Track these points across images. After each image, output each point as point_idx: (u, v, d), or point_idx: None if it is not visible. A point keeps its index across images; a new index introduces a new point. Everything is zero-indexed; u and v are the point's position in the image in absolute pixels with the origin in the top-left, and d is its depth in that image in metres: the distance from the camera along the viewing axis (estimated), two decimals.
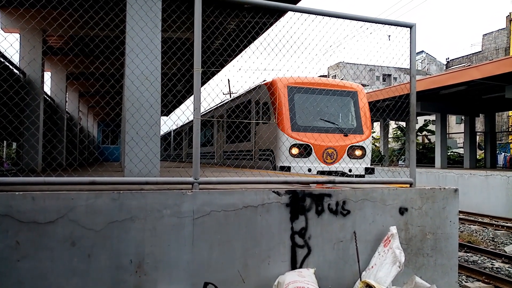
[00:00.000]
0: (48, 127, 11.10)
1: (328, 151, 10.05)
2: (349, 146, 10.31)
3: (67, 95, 14.20)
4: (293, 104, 10.08)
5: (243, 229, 3.86)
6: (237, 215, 3.84)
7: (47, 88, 12.99)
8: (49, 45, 11.16)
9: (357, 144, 10.46)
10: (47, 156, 10.05)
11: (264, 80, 10.96)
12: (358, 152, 10.46)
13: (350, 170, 10.21)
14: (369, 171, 10.52)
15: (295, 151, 9.75)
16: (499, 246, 9.63)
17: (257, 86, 11.38)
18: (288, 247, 4.02)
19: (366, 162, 10.59)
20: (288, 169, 9.52)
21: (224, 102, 15.73)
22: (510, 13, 30.29)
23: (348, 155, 10.30)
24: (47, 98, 12.20)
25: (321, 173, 9.86)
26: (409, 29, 4.85)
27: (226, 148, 14.34)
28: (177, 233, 3.65)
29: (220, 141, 15.38)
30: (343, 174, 10.10)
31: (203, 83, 15.42)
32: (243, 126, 12.38)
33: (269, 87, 10.46)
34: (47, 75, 12.98)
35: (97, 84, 14.45)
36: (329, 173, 9.92)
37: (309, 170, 9.63)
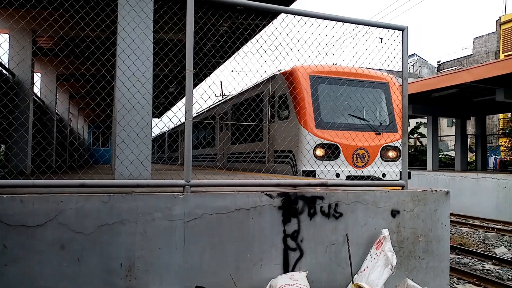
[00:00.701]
0: (37, 129, 10.96)
1: (359, 152, 8.76)
2: (382, 146, 9.03)
3: (57, 97, 14.06)
4: (317, 97, 8.75)
5: (235, 232, 3.83)
6: (229, 218, 3.81)
7: (36, 89, 12.87)
8: (39, 45, 11.05)
9: (391, 144, 9.17)
10: (36, 158, 9.92)
11: (280, 70, 9.52)
12: (392, 154, 9.20)
13: (383, 175, 8.93)
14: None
15: (320, 152, 8.51)
16: (489, 248, 9.71)
17: (271, 76, 10.02)
18: (281, 250, 4.00)
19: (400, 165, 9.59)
20: (312, 174, 8.29)
21: (228, 98, 14.21)
22: (500, 17, 30.68)
23: (381, 157, 9.03)
24: (37, 99, 12.06)
25: (351, 178, 8.59)
26: (401, 32, 4.87)
27: (231, 149, 13.08)
28: (169, 237, 3.61)
29: (223, 142, 14.02)
30: (374, 179, 8.71)
31: (195, 85, 15.36)
32: (251, 123, 10.88)
33: (288, 77, 9.02)
34: (37, 76, 12.85)
35: (87, 86, 14.33)
36: (360, 178, 8.46)
37: (337, 175, 8.38)
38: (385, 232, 4.21)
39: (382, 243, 4.14)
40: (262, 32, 10.42)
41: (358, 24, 4.76)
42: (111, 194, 3.48)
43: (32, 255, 3.26)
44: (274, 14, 9.12)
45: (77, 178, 3.86)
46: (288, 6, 8.96)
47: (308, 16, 4.43)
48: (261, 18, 9.44)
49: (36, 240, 3.27)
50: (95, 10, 7.13)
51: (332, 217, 4.20)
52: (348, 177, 8.57)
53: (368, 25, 4.93)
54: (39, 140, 9.22)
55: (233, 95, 13.29)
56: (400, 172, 4.99)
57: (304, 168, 8.38)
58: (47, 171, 4.06)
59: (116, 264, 3.46)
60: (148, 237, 3.55)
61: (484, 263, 8.25)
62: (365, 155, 8.87)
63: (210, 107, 16.42)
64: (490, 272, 7.58)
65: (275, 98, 9.94)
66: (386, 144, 9.12)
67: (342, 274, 4.20)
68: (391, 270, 3.96)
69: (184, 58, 3.95)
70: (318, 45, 4.68)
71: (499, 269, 7.74)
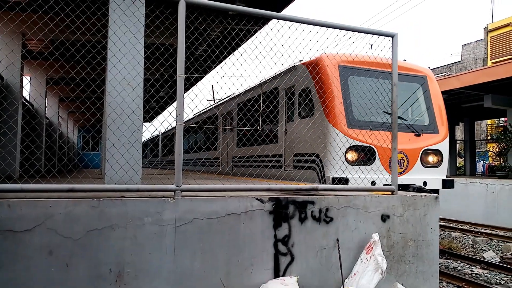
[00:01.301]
0: (26, 133, 10.84)
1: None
2: (423, 149, 7.85)
3: (46, 100, 13.93)
4: (348, 91, 7.53)
5: (226, 237, 3.82)
6: (220, 223, 3.80)
7: (26, 93, 12.73)
8: (28, 49, 10.95)
9: (432, 147, 7.95)
10: (24, 162, 9.80)
11: (300, 60, 8.43)
12: (433, 158, 7.96)
13: (424, 183, 7.71)
14: (447, 184, 7.99)
15: (352, 156, 7.31)
16: (478, 253, 9.80)
17: (290, 68, 8.79)
18: (271, 255, 3.99)
19: (443, 172, 8.05)
20: (344, 181, 6.95)
21: (233, 96, 12.75)
22: (487, 25, 31.19)
23: (421, 162, 7.82)
24: (26, 103, 11.94)
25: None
26: (391, 38, 4.93)
27: (237, 153, 11.70)
28: (159, 242, 3.59)
29: (226, 144, 12.74)
30: (419, 189, 7.41)
31: (186, 89, 15.34)
32: (265, 124, 9.70)
33: (313, 67, 7.77)
34: (26, 80, 12.72)
35: (77, 89, 14.23)
36: (402, 187, 7.20)
37: (373, 183, 7.16)
38: (376, 236, 4.23)
39: (372, 248, 4.16)
40: (253, 37, 10.45)
41: (349, 30, 4.81)
42: (101, 199, 3.45)
43: (19, 261, 3.21)
44: (265, 20, 9.17)
45: (66, 182, 3.82)
46: (279, 12, 9.02)
47: (299, 22, 4.46)
48: (252, 24, 9.47)
49: (24, 245, 3.22)
50: (86, 14, 7.10)
51: (323, 221, 4.22)
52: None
53: (359, 32, 4.98)
54: (27, 144, 9.11)
55: (239, 92, 12.06)
56: (398, 180, 5.01)
57: (335, 175, 7.04)
58: (36, 175, 4.02)
59: (105, 269, 3.43)
60: (138, 242, 3.53)
61: (473, 267, 8.33)
62: (404, 160, 7.67)
63: (211, 106, 15.24)
64: (478, 276, 7.65)
65: (294, 93, 8.59)
66: (427, 147, 7.89)
67: (333, 278, 4.21)
68: (381, 274, 3.98)
69: (175, 62, 3.94)
70: (309, 51, 4.72)
71: (487, 273, 7.82)
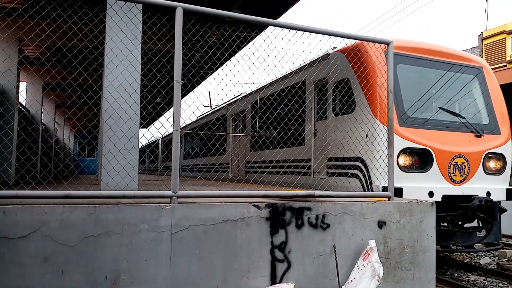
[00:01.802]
0: (22, 139, 10.80)
1: (457, 162, 6.35)
2: (485, 153, 6.64)
3: (43, 106, 13.90)
4: (398, 82, 6.35)
5: (222, 243, 3.81)
6: (217, 229, 3.79)
7: (22, 98, 12.71)
8: (25, 55, 10.94)
9: (495, 150, 6.77)
10: (20, 168, 9.76)
11: (334, 48, 7.33)
12: (496, 164, 6.80)
13: (488, 193, 6.50)
14: None
15: (406, 160, 6.13)
16: (474, 259, 9.81)
17: (321, 57, 7.57)
18: (268, 261, 3.98)
19: (505, 180, 6.91)
20: (397, 192, 5.60)
21: (245, 94, 11.52)
22: (482, 32, 31.49)
23: (483, 168, 6.61)
24: (22, 109, 11.91)
25: (448, 198, 6.17)
26: (386, 45, 4.96)
27: (252, 157, 10.39)
28: (155, 248, 3.57)
29: (238, 148, 11.52)
30: (487, 203, 6.25)
31: (183, 96, 15.36)
32: (284, 123, 8.39)
33: (354, 54, 6.54)
34: (23, 86, 12.70)
35: (74, 95, 14.22)
36: (462, 199, 6.37)
37: (431, 193, 6.02)
38: (372, 243, 4.23)
39: (369, 254, 4.16)
40: (250, 44, 10.50)
41: (345, 37, 4.84)
42: (97, 205, 3.43)
43: (14, 268, 3.18)
44: (262, 27, 9.23)
45: (62, 188, 3.80)
46: (276, 19, 9.07)
47: (295, 29, 4.48)
48: (249, 31, 9.52)
49: (19, 252, 3.20)
50: (83, 20, 7.11)
51: (320, 228, 4.21)
52: (445, 197, 6.12)
53: (355, 39, 5.02)
54: (23, 150, 9.08)
55: (252, 90, 10.97)
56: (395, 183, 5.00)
57: (386, 184, 5.56)
58: (31, 181, 4.00)
59: (101, 276, 3.40)
60: (134, 249, 3.51)
61: (469, 273, 8.33)
62: (464, 166, 6.44)
63: (218, 107, 14.00)
64: (475, 282, 7.65)
65: (327, 86, 7.37)
66: (490, 150, 6.70)
67: (330, 285, 4.19)
68: (378, 281, 3.98)
69: (172, 68, 3.95)
70: (305, 58, 4.74)
71: (484, 280, 7.82)
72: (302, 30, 4.51)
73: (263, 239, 3.97)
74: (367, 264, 4.10)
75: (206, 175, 14.59)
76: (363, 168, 6.35)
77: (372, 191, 6.10)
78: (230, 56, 10.91)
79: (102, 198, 3.76)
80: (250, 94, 11.04)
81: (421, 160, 6.23)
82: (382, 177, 5.81)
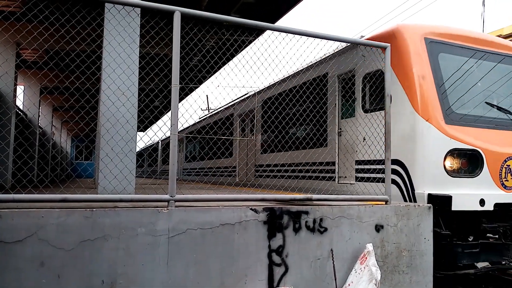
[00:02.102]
0: (19, 142, 10.78)
1: (509, 164, 5.60)
2: None
3: (40, 110, 13.88)
4: (440, 73, 5.61)
5: (219, 247, 3.80)
6: (214, 233, 3.78)
7: (19, 102, 12.69)
8: (23, 58, 10.93)
9: None
10: (17, 172, 9.72)
11: (362, 36, 6.81)
12: None
13: None
14: None
15: (453, 163, 5.35)
16: None
17: (346, 47, 6.86)
18: (265, 265, 3.97)
19: None
20: (445, 201, 4.99)
21: (255, 92, 10.58)
22: None
23: None
24: (19, 112, 11.89)
25: (500, 207, 5.38)
26: (383, 49, 4.99)
27: (264, 160, 9.60)
28: (152, 252, 3.56)
29: (246, 150, 10.76)
30: None
31: (181, 99, 15.35)
32: (301, 122, 7.87)
33: (387, 41, 5.58)
34: (20, 89, 12.68)
35: (71, 99, 14.20)
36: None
37: (482, 202, 5.21)
38: (370, 246, 4.23)
39: (366, 258, 4.16)
40: (248, 47, 10.53)
41: (343, 41, 4.87)
42: (94, 209, 3.42)
43: (10, 272, 3.17)
44: (259, 31, 9.26)
45: (59, 192, 3.79)
46: (274, 23, 9.11)
47: (293, 33, 4.50)
48: (247, 34, 9.55)
49: (15, 256, 3.18)
50: (81, 24, 7.12)
51: (317, 232, 4.21)
52: (497, 206, 5.32)
53: (352, 43, 5.04)
54: (20, 153, 9.05)
55: (263, 87, 10.01)
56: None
57: (431, 191, 5.11)
58: (28, 185, 3.99)
59: (97, 280, 3.39)
60: (131, 253, 3.49)
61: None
62: None
63: (224, 107, 12.96)
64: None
65: (355, 79, 6.62)
66: None
67: None
68: (376, 285, 3.97)
69: (170, 72, 3.96)
70: (303, 62, 4.76)
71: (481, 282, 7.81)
72: (299, 34, 4.52)
73: (260, 243, 3.96)
74: (364, 267, 4.10)
75: (210, 179, 13.67)
76: (402, 172, 5.52)
77: (414, 199, 5.31)
78: (228, 60, 10.94)
79: (99, 202, 3.75)
80: (260, 91, 10.04)
81: (469, 163, 5.43)
82: (428, 183, 5.17)
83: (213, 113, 14.30)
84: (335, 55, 7.18)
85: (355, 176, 6.45)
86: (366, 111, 6.36)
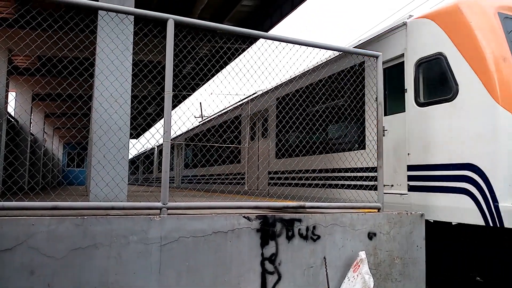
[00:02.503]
0: (10, 149, 10.67)
1: None
2: None
3: (32, 116, 13.77)
4: None
5: (212, 255, 3.78)
6: (207, 241, 3.76)
7: (10, 108, 12.59)
8: (14, 65, 10.87)
9: None
10: (7, 179, 9.61)
11: (410, 16, 5.75)
12: None
13: None
14: None
15: None
16: None
17: (392, 29, 5.90)
18: (258, 273, 3.95)
19: None
20: None
21: (267, 89, 9.40)
22: None
23: None
24: (11, 119, 11.79)
25: None
26: (376, 58, 5.04)
27: (279, 166, 8.50)
28: (144, 261, 3.53)
29: (258, 155, 9.61)
30: None
31: (174, 106, 15.34)
32: (328, 122, 6.91)
33: (453, 20, 4.96)
34: (12, 96, 12.59)
35: (63, 106, 14.14)
36: None
37: None
38: (362, 254, 4.23)
39: (359, 266, 4.15)
40: (241, 55, 10.58)
41: (335, 50, 4.91)
42: (85, 217, 3.39)
43: None
44: (253, 39, 9.31)
45: (50, 200, 3.75)
46: (267, 32, 9.18)
47: (286, 42, 4.53)
48: (240, 43, 9.60)
49: (3, 265, 3.13)
50: (74, 31, 7.11)
51: (310, 239, 4.20)
52: None
53: (344, 52, 5.09)
54: (11, 160, 8.96)
55: (277, 83, 8.85)
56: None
57: None
58: (19, 192, 3.94)
59: None
60: (122, 261, 3.46)
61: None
62: None
63: (230, 107, 11.81)
64: None
65: (403, 66, 5.68)
66: None
67: None
68: None
69: (163, 79, 3.96)
70: (296, 70, 4.79)
71: None
72: (291, 43, 4.56)
73: (253, 251, 3.95)
74: (357, 275, 4.10)
75: (211, 187, 12.47)
76: (479, 180, 4.49)
77: (497, 213, 4.29)
78: (221, 67, 10.98)
79: (91, 209, 3.72)
80: (276, 88, 8.87)
81: None
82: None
83: (216, 115, 13.01)
84: (372, 41, 6.22)
85: (408, 184, 5.46)
86: (421, 105, 5.35)
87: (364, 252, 4.28)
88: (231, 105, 11.85)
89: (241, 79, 4.50)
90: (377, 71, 5.00)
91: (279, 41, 4.53)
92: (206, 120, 14.28)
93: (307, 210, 4.55)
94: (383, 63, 5.92)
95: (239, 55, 10.59)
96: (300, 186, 7.71)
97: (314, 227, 4.23)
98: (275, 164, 8.72)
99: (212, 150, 12.88)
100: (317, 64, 7.57)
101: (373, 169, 5.71)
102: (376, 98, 5.02)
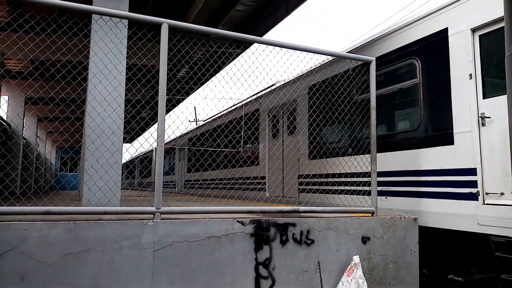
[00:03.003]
0: (1, 153, 10.58)
1: None
2: None
3: (24, 120, 13.67)
4: None
5: (206, 260, 3.76)
6: (200, 246, 3.74)
7: (3, 112, 12.50)
8: (7, 68, 10.80)
9: None
10: None
11: None
12: None
13: None
14: None
15: None
16: None
17: None
18: (252, 278, 3.93)
19: None
20: None
21: (295, 77, 7.91)
22: None
23: None
24: (3, 122, 11.69)
25: None
26: (369, 63, 5.06)
27: (313, 168, 6.96)
28: (137, 266, 3.50)
29: (283, 155, 8.04)
30: None
31: (168, 111, 15.29)
32: (393, 109, 5.67)
33: None
34: (4, 99, 12.50)
35: (56, 110, 14.04)
36: None
37: None
38: (356, 259, 4.23)
39: (353, 270, 4.15)
40: (235, 60, 10.59)
41: (328, 55, 4.93)
42: (77, 222, 3.36)
43: None
44: (247, 44, 9.33)
45: (42, 204, 3.71)
46: (261, 36, 9.21)
47: (280, 47, 4.55)
48: (234, 47, 9.61)
49: None
50: (68, 34, 7.09)
51: (304, 244, 4.20)
52: None
53: (339, 57, 5.11)
54: (3, 165, 8.87)
55: (314, 67, 7.33)
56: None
57: None
58: (10, 197, 3.90)
59: None
60: (115, 266, 3.43)
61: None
62: None
63: (245, 101, 10.09)
64: None
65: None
66: None
67: None
68: None
69: (157, 83, 3.95)
70: (290, 74, 4.80)
71: None
72: (286, 47, 4.57)
73: (247, 256, 3.93)
74: (351, 280, 4.09)
75: (220, 193, 11.00)
76: None
77: None
78: (216, 71, 10.98)
79: (83, 214, 3.68)
80: (305, 74, 7.49)
81: None
82: None
83: (227, 111, 11.37)
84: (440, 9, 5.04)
85: None
86: None
87: (358, 256, 4.28)
88: (245, 99, 9.86)
89: (235, 83, 4.50)
90: (370, 75, 5.02)
91: (273, 45, 4.54)
92: (213, 117, 12.37)
93: (301, 214, 4.54)
94: (478, 28, 4.59)
95: (233, 59, 10.60)
96: (345, 193, 6.18)
97: (308, 232, 4.22)
98: (306, 166, 7.18)
99: (222, 150, 11.24)
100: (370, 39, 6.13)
101: (467, 171, 4.54)
102: (369, 103, 5.04)
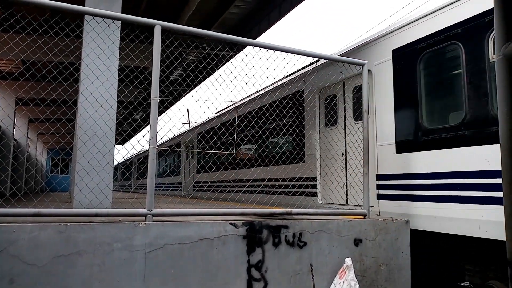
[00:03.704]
0: None
1: None
2: None
3: (15, 121, 13.54)
4: None
5: (198, 262, 3.74)
6: (192, 248, 3.73)
7: None
8: None
9: None
10: None
11: None
12: None
13: None
14: None
15: None
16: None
17: None
18: (245, 280, 3.93)
19: None
20: None
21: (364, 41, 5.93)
22: None
23: None
24: None
25: None
26: (361, 66, 5.10)
27: (409, 166, 4.99)
28: (128, 268, 3.47)
29: (345, 150, 6.13)
30: None
31: (160, 112, 15.24)
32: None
33: None
34: None
35: (47, 111, 13.92)
36: None
37: None
38: (349, 261, 4.24)
39: (345, 272, 4.16)
40: (228, 62, 10.59)
41: (321, 58, 4.95)
42: (68, 224, 3.33)
43: None
44: (240, 46, 9.34)
45: (32, 206, 3.68)
46: (255, 39, 9.22)
47: (273, 49, 4.56)
48: (228, 50, 9.61)
49: None
50: (59, 35, 7.03)
51: (297, 246, 4.20)
52: None
53: (330, 60, 5.14)
54: None
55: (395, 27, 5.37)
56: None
57: None
58: (0, 199, 3.85)
59: None
60: (106, 268, 3.40)
61: None
62: None
63: (284, 78, 7.81)
64: None
65: None
66: None
67: None
68: None
69: (150, 85, 3.94)
70: (283, 77, 4.81)
71: None
72: (279, 50, 4.58)
73: (239, 258, 3.92)
74: (343, 282, 4.10)
75: (243, 197, 9.06)
76: None
77: None
78: (209, 74, 10.97)
79: (74, 216, 3.65)
80: (386, 33, 5.51)
81: None
82: None
83: (235, 104, 9.65)
84: None
85: None
86: None
87: (350, 258, 4.29)
88: (282, 78, 7.72)
89: (228, 86, 4.50)
90: (363, 79, 5.05)
91: (266, 48, 4.55)
92: (237, 103, 9.99)
93: (294, 216, 4.55)
94: None
95: (226, 61, 10.60)
96: (401, 197, 5.01)
97: (300, 234, 4.23)
98: (393, 162, 5.25)
99: (245, 145, 9.17)
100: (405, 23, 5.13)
101: None
102: (362, 106, 5.06)
